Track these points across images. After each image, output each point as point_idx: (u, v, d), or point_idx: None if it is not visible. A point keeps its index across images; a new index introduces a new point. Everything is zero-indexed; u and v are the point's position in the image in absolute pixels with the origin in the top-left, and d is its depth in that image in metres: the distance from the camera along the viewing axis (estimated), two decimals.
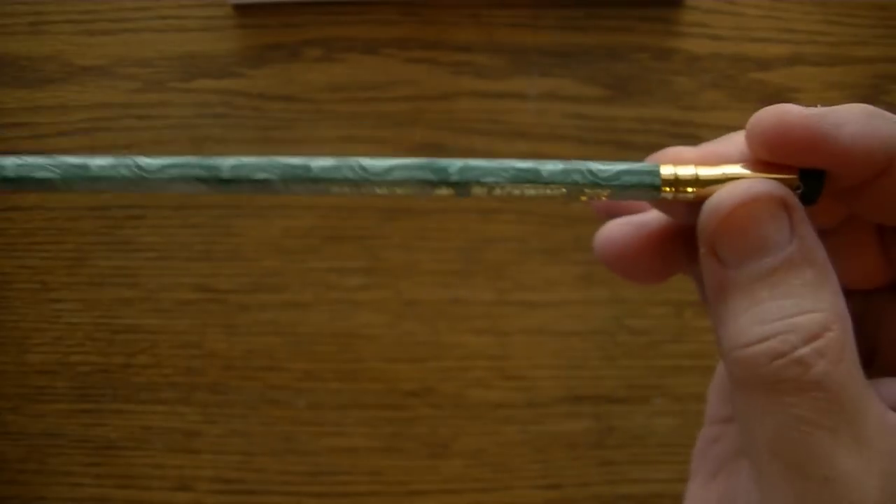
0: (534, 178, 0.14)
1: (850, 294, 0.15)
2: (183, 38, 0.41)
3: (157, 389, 0.42)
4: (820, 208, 0.15)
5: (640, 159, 0.15)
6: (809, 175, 0.14)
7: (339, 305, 0.41)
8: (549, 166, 0.14)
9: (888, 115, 0.14)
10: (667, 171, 0.14)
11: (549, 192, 0.14)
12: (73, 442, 0.42)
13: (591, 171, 0.14)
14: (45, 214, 0.42)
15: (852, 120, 0.13)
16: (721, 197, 0.14)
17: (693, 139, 0.39)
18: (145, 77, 0.41)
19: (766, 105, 0.14)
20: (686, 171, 0.14)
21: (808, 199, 0.14)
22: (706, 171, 0.14)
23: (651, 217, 0.17)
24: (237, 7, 0.41)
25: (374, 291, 0.41)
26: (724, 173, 0.14)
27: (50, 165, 0.14)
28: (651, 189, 0.14)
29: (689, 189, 0.14)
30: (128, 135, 0.41)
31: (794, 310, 0.13)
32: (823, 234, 0.14)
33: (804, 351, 0.13)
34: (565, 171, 0.14)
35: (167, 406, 0.42)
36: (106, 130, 0.41)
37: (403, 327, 0.41)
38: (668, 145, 0.16)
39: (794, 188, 0.14)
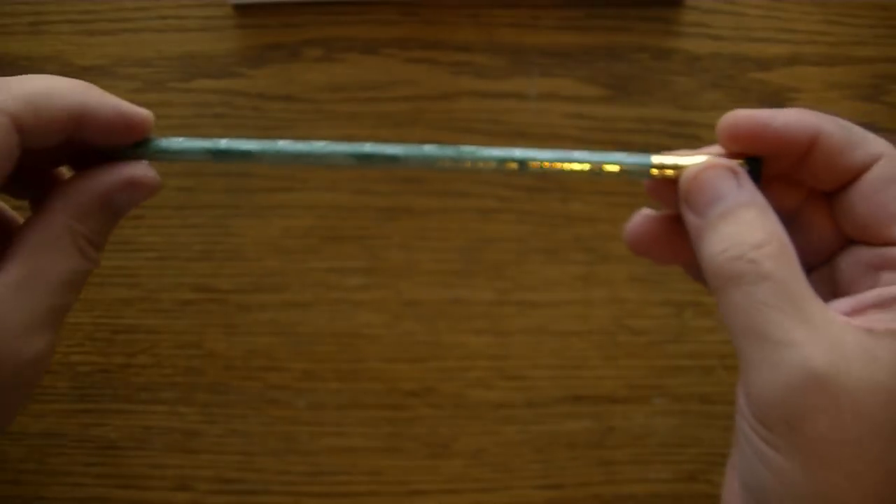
0: (567, 159, 0.21)
1: (814, 269, 0.21)
2: (183, 38, 0.41)
3: (157, 389, 0.42)
4: (782, 190, 0.21)
5: None
6: (752, 159, 0.20)
7: (339, 305, 0.41)
8: (579, 152, 0.21)
9: (813, 112, 0.19)
10: (656, 158, 0.21)
11: (578, 167, 0.21)
12: (73, 442, 0.42)
13: (605, 154, 0.21)
14: None
15: (783, 114, 0.19)
16: (689, 168, 0.20)
17: (693, 139, 0.40)
18: (145, 77, 0.41)
19: (766, 105, 0.16)
20: (669, 159, 0.21)
21: (754, 177, 0.20)
22: (683, 159, 0.21)
23: (658, 212, 0.22)
24: (237, 7, 0.41)
25: (374, 291, 0.41)
26: (694, 161, 0.20)
27: (250, 143, 0.21)
28: (645, 167, 0.21)
29: (671, 172, 0.21)
30: None
31: (744, 230, 0.18)
32: (790, 216, 0.19)
33: (754, 254, 0.18)
34: (590, 154, 0.21)
35: (167, 406, 0.42)
36: None
37: (403, 327, 0.41)
38: (668, 145, 0.17)
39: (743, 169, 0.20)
